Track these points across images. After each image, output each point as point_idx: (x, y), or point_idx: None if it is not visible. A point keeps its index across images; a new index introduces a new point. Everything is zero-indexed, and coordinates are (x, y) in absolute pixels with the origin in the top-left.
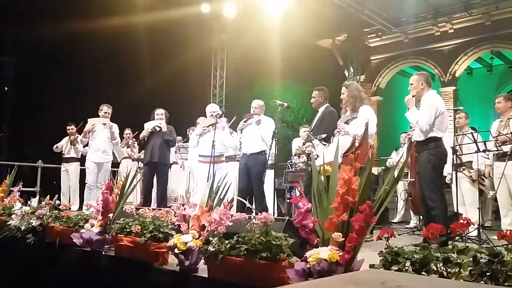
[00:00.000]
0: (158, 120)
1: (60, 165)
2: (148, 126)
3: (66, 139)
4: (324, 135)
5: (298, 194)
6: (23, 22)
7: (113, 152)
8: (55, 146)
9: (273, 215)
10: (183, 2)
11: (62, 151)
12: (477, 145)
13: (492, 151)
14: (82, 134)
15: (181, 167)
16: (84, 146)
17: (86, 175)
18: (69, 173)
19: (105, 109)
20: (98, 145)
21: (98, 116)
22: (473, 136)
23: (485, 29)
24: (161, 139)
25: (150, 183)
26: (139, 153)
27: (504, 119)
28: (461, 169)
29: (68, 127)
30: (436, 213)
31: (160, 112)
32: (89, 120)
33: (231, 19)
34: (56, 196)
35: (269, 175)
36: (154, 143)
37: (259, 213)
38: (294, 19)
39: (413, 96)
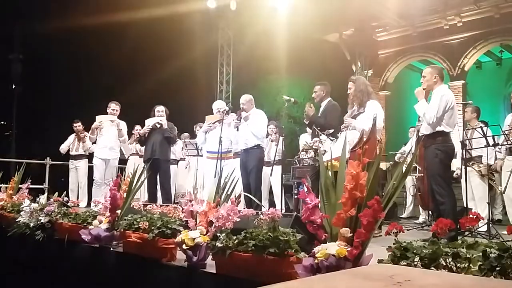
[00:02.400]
0: (159, 117)
1: (68, 162)
2: (149, 123)
3: (71, 137)
4: (331, 130)
5: (305, 189)
6: (30, 19)
7: (120, 149)
8: (61, 149)
9: (281, 211)
10: None
11: (69, 150)
12: (486, 140)
13: (503, 145)
14: (89, 131)
15: (186, 167)
16: (92, 143)
17: (94, 172)
18: (78, 170)
19: (113, 106)
20: (106, 142)
21: (106, 113)
22: (482, 130)
23: (494, 22)
24: (161, 136)
25: (153, 180)
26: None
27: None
28: (471, 164)
29: (74, 124)
30: (445, 208)
31: (160, 109)
32: (97, 117)
33: (237, 15)
34: (65, 193)
35: (277, 171)
36: (155, 140)
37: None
38: (301, 13)
39: (424, 88)
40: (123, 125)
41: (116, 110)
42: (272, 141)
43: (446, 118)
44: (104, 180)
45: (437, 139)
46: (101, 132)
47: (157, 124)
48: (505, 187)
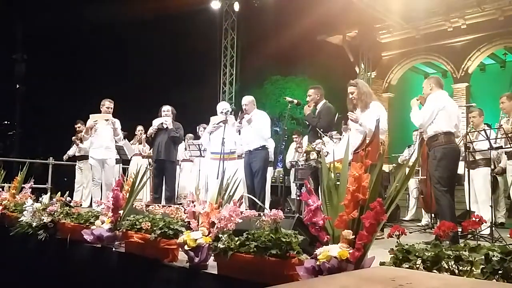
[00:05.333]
0: (165, 117)
1: (71, 162)
2: (155, 123)
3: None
4: (334, 132)
5: (307, 191)
6: (34, 19)
7: (117, 149)
8: (66, 156)
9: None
10: None
11: (74, 155)
12: (489, 142)
13: (505, 148)
14: (84, 131)
15: (194, 159)
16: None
17: (92, 172)
18: (82, 170)
19: (107, 104)
20: (101, 141)
21: (101, 112)
22: (485, 133)
23: (498, 24)
24: (167, 137)
25: (159, 180)
26: (149, 150)
27: (511, 118)
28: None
29: (76, 126)
30: (442, 210)
31: (166, 109)
32: (91, 116)
33: (241, 16)
34: (67, 192)
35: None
36: (161, 141)
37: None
38: (304, 15)
39: (417, 98)
40: (118, 123)
41: (111, 108)
42: None
43: (440, 119)
44: (103, 181)
45: (438, 141)
46: (96, 131)
47: (163, 125)
48: (509, 191)
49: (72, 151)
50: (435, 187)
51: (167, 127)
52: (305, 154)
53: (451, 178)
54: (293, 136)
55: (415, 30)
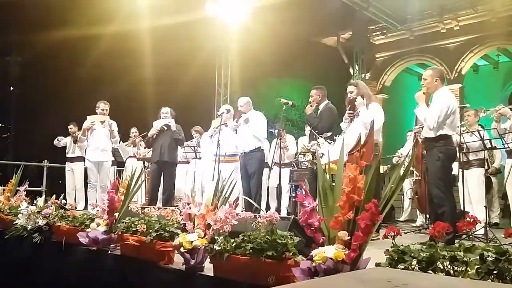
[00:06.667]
0: (168, 119)
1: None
2: (157, 124)
3: (69, 139)
4: (329, 134)
5: (303, 192)
6: (28, 22)
7: (113, 151)
8: (56, 141)
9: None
10: (188, 2)
11: (63, 146)
12: (483, 143)
13: (499, 148)
14: (81, 132)
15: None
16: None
17: (88, 175)
18: (74, 172)
19: (102, 106)
20: (97, 143)
21: (96, 114)
22: (479, 133)
23: (491, 26)
24: (170, 138)
25: (157, 181)
26: (147, 152)
27: None
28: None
29: (68, 127)
30: (444, 211)
31: (165, 111)
32: (88, 117)
33: (236, 18)
34: (62, 195)
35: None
36: (163, 142)
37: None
38: (299, 17)
39: (423, 92)
40: (114, 125)
41: (105, 110)
42: None
43: (448, 122)
44: (99, 183)
45: (439, 142)
46: (91, 133)
47: (164, 126)
48: (504, 188)
49: (63, 142)
50: (440, 190)
51: (169, 128)
52: (301, 156)
53: (449, 180)
54: (280, 136)
55: (408, 31)
